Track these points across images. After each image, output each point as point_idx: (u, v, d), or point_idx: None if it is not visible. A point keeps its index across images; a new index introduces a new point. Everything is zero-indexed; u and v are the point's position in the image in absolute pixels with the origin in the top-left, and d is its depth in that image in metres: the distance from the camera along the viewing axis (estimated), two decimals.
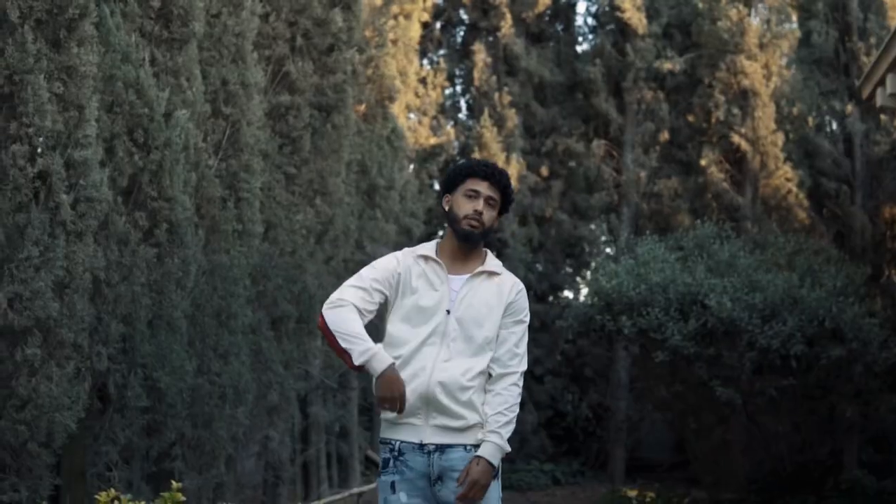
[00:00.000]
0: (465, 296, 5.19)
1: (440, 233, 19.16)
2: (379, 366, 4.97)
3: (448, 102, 19.44)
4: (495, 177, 5.23)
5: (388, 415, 5.14)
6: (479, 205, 5.16)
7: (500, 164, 17.35)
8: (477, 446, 5.10)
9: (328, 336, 5.09)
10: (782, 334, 12.09)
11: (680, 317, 12.52)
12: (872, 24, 16.96)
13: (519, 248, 17.78)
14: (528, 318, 5.35)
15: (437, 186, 18.55)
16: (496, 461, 5.06)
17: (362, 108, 14.25)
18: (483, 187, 5.20)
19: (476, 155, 17.74)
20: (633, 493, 14.47)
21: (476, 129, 17.95)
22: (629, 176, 17.94)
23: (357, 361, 4.98)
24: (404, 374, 5.09)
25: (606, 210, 18.28)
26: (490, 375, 5.21)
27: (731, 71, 17.02)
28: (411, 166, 17.36)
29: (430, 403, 5.10)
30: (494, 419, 5.14)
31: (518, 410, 5.22)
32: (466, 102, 19.86)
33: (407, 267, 5.28)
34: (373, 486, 10.07)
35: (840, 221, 16.80)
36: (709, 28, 17.22)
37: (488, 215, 5.20)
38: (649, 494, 14.19)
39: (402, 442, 5.13)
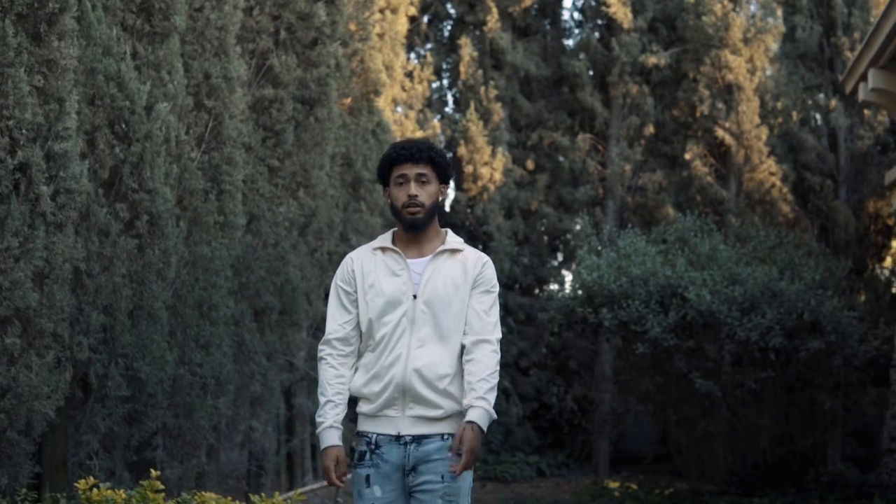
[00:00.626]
0: (429, 277, 5.22)
1: None
2: (321, 444, 5.21)
3: (434, 96, 19.47)
4: (415, 154, 5.24)
5: (364, 407, 5.21)
6: (411, 188, 5.19)
7: (486, 157, 17.50)
8: (452, 435, 5.11)
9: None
10: (761, 327, 12.21)
11: (660, 309, 12.64)
12: (857, 19, 17.05)
13: (504, 242, 17.84)
14: (496, 290, 5.35)
15: None
16: (485, 426, 5.02)
17: (348, 101, 14.30)
18: (408, 169, 5.22)
19: (462, 149, 17.81)
20: (614, 485, 14.58)
21: (462, 123, 18.00)
22: (614, 169, 18.00)
23: (318, 428, 5.22)
24: (379, 366, 5.18)
25: (591, 203, 18.35)
26: (464, 348, 5.20)
27: (715, 65, 17.09)
28: None
29: (406, 393, 5.14)
30: (479, 385, 5.09)
31: (498, 378, 5.17)
32: (453, 96, 19.89)
33: (362, 263, 5.32)
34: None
35: (824, 215, 16.89)
36: (694, 23, 17.29)
37: (425, 193, 5.22)
38: (632, 486, 14.30)
39: (378, 434, 5.17)
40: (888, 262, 17.27)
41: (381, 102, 15.67)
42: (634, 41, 17.76)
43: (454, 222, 18.18)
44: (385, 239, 5.39)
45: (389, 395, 5.15)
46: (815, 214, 17.09)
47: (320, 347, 5.37)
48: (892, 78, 12.68)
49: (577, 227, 17.74)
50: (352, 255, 5.42)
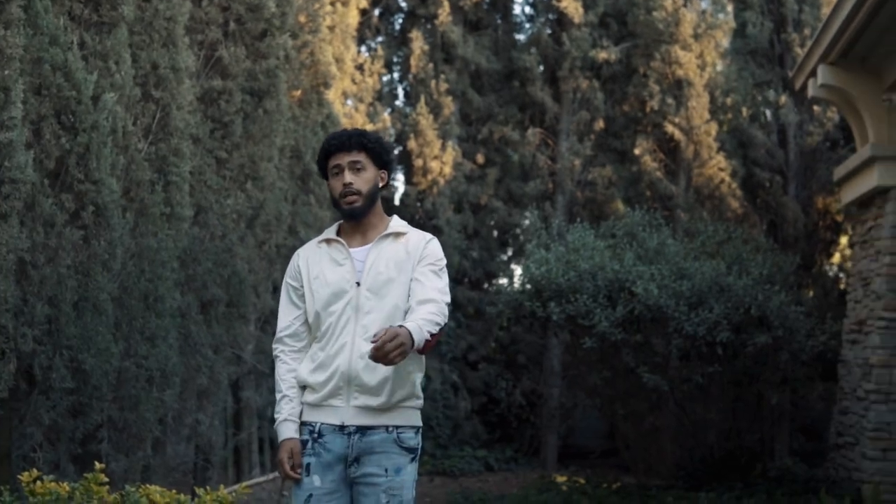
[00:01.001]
0: (372, 262, 5.22)
1: None
2: (278, 437, 5.26)
3: (385, 89, 19.41)
4: (346, 143, 5.26)
5: (309, 397, 5.22)
6: (346, 177, 5.22)
7: (436, 151, 17.45)
8: (398, 427, 5.16)
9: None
10: (709, 321, 12.25)
11: (608, 303, 12.66)
12: (807, 15, 17.13)
13: (454, 235, 17.82)
14: (442, 264, 5.32)
15: None
16: (416, 338, 4.75)
17: (297, 93, 14.23)
18: (341, 158, 5.26)
19: (412, 143, 17.78)
20: (562, 479, 14.60)
21: (412, 117, 17.96)
22: (564, 164, 18.01)
23: (276, 423, 5.25)
24: (325, 355, 5.19)
25: (541, 198, 18.36)
26: (410, 309, 5.16)
27: (665, 61, 17.13)
28: None
29: (351, 382, 5.13)
30: (419, 310, 5.03)
31: (440, 330, 5.02)
32: (403, 89, 19.84)
33: (307, 256, 5.36)
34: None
35: (773, 211, 16.97)
36: (644, 18, 17.32)
37: (361, 180, 5.24)
38: (579, 480, 14.32)
39: (322, 424, 5.18)
40: (836, 258, 17.39)
41: (331, 95, 15.62)
42: (585, 36, 17.78)
43: (403, 216, 18.08)
44: (330, 231, 5.42)
45: (335, 385, 5.16)
46: (764, 210, 17.17)
47: (273, 346, 5.43)
48: (842, 74, 12.78)
49: (527, 222, 17.75)
50: (299, 251, 5.46)
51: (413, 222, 17.66)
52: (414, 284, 5.23)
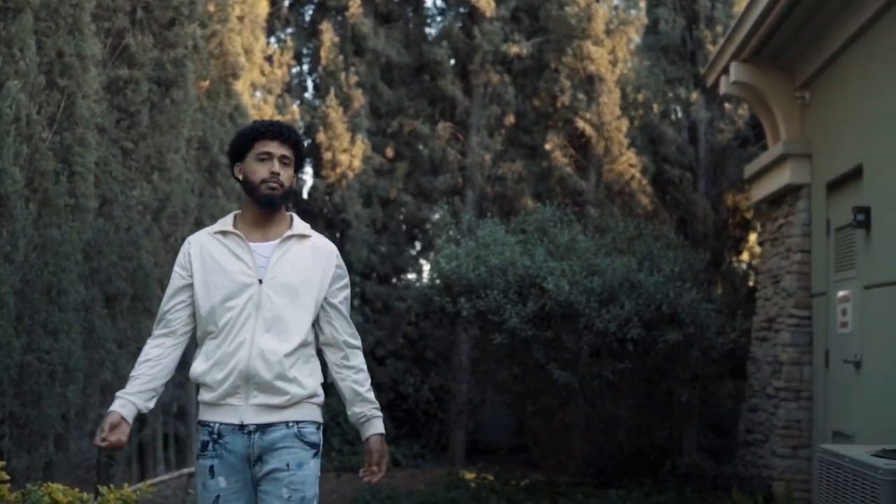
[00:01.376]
0: (276, 262, 5.11)
1: None
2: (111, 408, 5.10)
3: (294, 81, 19.21)
4: (284, 134, 5.17)
5: (205, 396, 5.08)
6: (275, 166, 5.10)
7: (345, 144, 17.28)
8: (299, 422, 5.07)
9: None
10: (620, 318, 12.19)
11: (518, 299, 12.55)
12: (720, 12, 17.16)
13: (362, 230, 17.66)
14: (349, 288, 5.38)
15: None
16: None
17: (205, 84, 14.01)
18: (274, 147, 5.13)
19: (321, 135, 17.60)
20: (470, 476, 14.51)
21: (322, 109, 17.78)
22: (474, 159, 17.91)
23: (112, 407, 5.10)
24: (222, 352, 5.04)
25: (451, 192, 18.25)
26: (335, 346, 5.30)
27: (577, 56, 17.08)
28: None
29: (250, 380, 5.01)
30: (370, 394, 5.30)
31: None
32: (313, 82, 19.65)
33: (200, 246, 5.19)
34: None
35: (683, 208, 16.97)
36: (556, 13, 17.27)
37: (285, 174, 5.14)
38: (488, 477, 14.24)
39: (221, 424, 5.04)
40: (745, 255, 17.46)
41: (240, 86, 15.40)
42: (497, 30, 17.68)
43: (311, 209, 17.95)
44: (226, 222, 5.26)
45: (232, 383, 5.03)
46: (674, 207, 17.18)
47: (150, 337, 5.29)
48: (754, 71, 12.79)
49: (437, 217, 17.62)
50: (190, 239, 5.29)
51: (321, 216, 17.52)
52: (333, 312, 5.29)
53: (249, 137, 5.19)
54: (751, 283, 17.03)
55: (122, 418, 5.05)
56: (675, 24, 17.32)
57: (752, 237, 17.30)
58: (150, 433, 13.12)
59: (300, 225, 5.30)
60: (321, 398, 5.25)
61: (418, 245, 19.55)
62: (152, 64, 11.63)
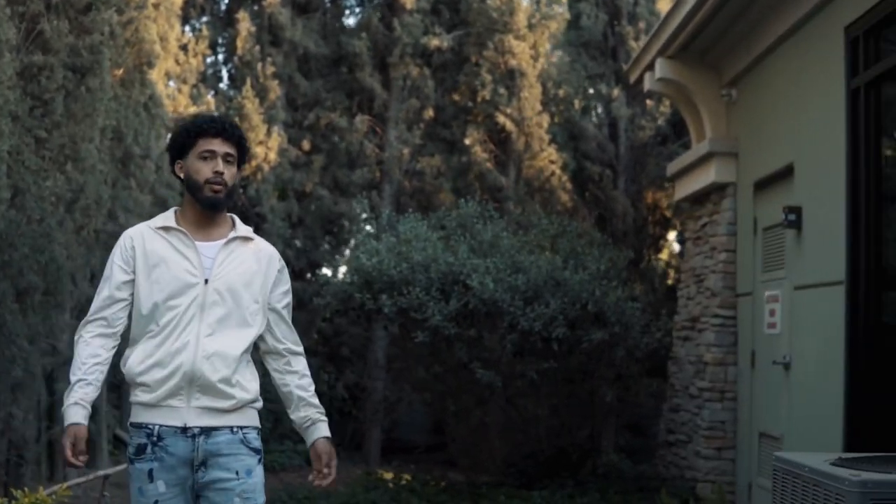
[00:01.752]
0: (222, 263, 4.93)
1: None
2: (65, 421, 4.76)
3: (209, 71, 18.82)
4: (227, 131, 4.98)
5: (142, 396, 4.83)
6: (218, 165, 4.90)
7: (261, 136, 16.93)
8: (242, 428, 4.92)
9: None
10: (545, 317, 11.99)
11: (441, 297, 12.32)
12: (642, 8, 17.12)
13: (278, 223, 17.34)
14: (290, 293, 5.27)
15: None
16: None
17: (119, 72, 13.62)
18: (217, 145, 4.93)
19: None
20: (388, 476, 14.27)
21: (237, 100, 17.40)
22: (392, 153, 17.66)
23: (64, 406, 4.79)
24: (164, 352, 4.83)
25: (368, 187, 17.99)
26: (277, 353, 5.22)
27: (498, 50, 16.88)
28: (169, 135, 16.69)
29: (193, 382, 4.80)
30: (313, 400, 5.22)
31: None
32: (228, 72, 19.28)
33: (143, 241, 4.97)
34: (120, 467, 9.62)
35: (602, 205, 16.89)
36: (478, 6, 17.07)
37: (229, 174, 4.96)
38: (406, 477, 14.00)
39: (161, 426, 4.80)
40: (665, 253, 17.41)
41: (155, 75, 15.01)
42: (417, 22, 17.42)
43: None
44: (167, 218, 5.04)
45: (175, 384, 4.81)
46: (594, 204, 17.09)
47: (80, 326, 4.99)
48: (680, 68, 12.67)
49: (357, 210, 17.37)
50: (130, 233, 5.05)
51: (236, 210, 17.14)
52: (275, 317, 5.19)
53: (192, 134, 4.97)
54: (669, 282, 16.98)
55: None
56: (597, 19, 17.24)
57: (672, 235, 17.26)
58: (59, 431, 12.75)
59: (243, 228, 5.14)
60: (261, 403, 5.11)
61: (334, 240, 19.23)
62: (67, 50, 11.26)
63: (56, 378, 12.59)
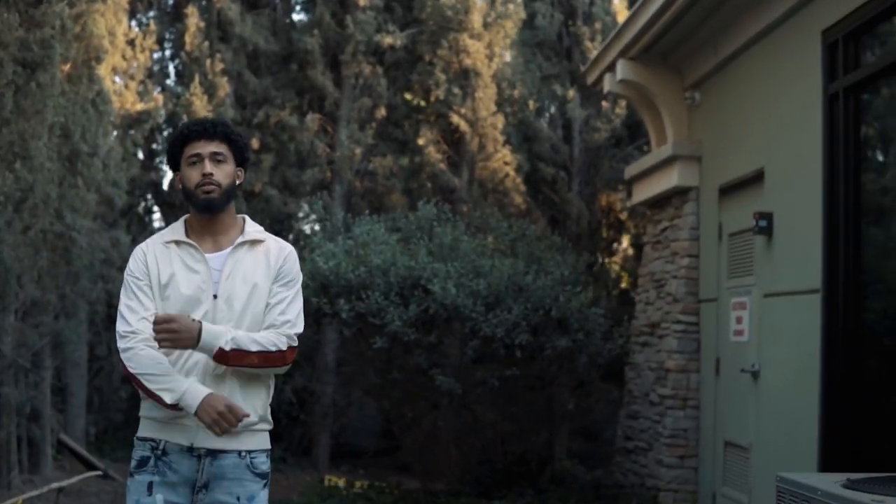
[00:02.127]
0: (229, 273, 4.73)
1: (143, 205, 18.26)
2: (193, 402, 4.49)
3: (156, 67, 18.41)
4: (209, 130, 4.79)
5: (154, 411, 4.64)
6: (206, 167, 4.73)
7: None
8: (251, 452, 4.69)
9: (135, 382, 4.63)
10: (507, 323, 11.73)
11: (400, 302, 12.04)
12: (598, 9, 16.93)
13: None
14: (298, 282, 4.90)
15: (141, 155, 17.62)
16: (207, 339, 4.51)
17: (67, 67, 13.23)
18: (201, 147, 4.77)
19: None
20: (340, 482, 14.02)
21: (186, 97, 17.01)
22: (343, 152, 17.32)
23: (170, 401, 4.50)
24: (176, 371, 4.62)
25: (319, 187, 17.65)
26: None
27: (453, 49, 16.60)
28: (114, 133, 16.30)
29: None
30: (245, 333, 4.65)
31: (266, 354, 4.64)
32: (175, 68, 18.87)
33: (155, 256, 4.79)
34: (74, 479, 9.32)
35: (556, 207, 16.69)
36: (432, 4, 16.76)
37: (221, 173, 4.75)
38: (359, 483, 13.75)
39: (168, 442, 4.64)
40: (618, 257, 17.24)
41: (102, 71, 14.62)
42: (370, 20, 17.08)
43: (172, 202, 17.25)
44: (177, 230, 4.86)
45: None
46: (547, 206, 16.89)
47: (125, 343, 4.65)
48: (642, 70, 12.52)
49: (310, 213, 17.04)
50: (142, 247, 4.87)
51: (182, 210, 16.77)
52: (268, 309, 4.81)
53: (178, 143, 4.84)
54: (623, 286, 16.82)
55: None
56: (552, 19, 17.03)
57: (626, 239, 17.10)
58: (4, 436, 12.41)
59: (252, 229, 4.94)
60: (270, 424, 4.88)
61: (284, 240, 18.87)
62: (17, 44, 10.88)
63: (0, 382, 12.25)
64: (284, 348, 4.69)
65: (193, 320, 4.52)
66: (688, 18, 11.23)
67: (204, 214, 4.79)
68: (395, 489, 13.37)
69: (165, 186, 17.59)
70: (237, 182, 4.89)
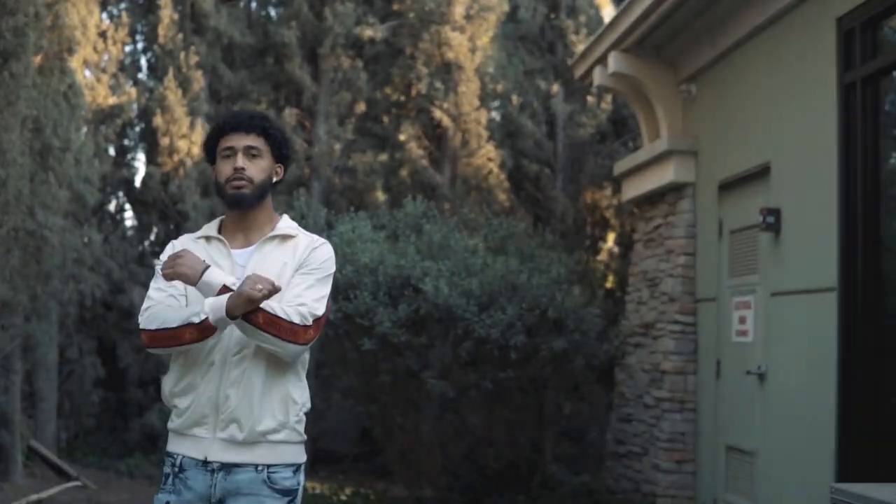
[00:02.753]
0: (252, 268, 4.41)
1: (115, 202, 17.78)
2: (214, 283, 4.28)
3: (128, 60, 17.89)
4: (244, 123, 4.56)
5: (174, 422, 4.42)
6: (238, 161, 4.49)
7: (184, 129, 16.07)
8: (269, 466, 4.34)
9: (161, 341, 4.34)
10: (502, 323, 11.28)
11: (389, 301, 11.58)
12: (582, 2, 16.57)
13: (200, 222, 16.45)
14: (325, 271, 4.57)
15: (112, 151, 17.13)
16: (210, 276, 4.27)
17: (38, 59, 12.74)
18: (235, 140, 4.54)
19: (158, 118, 16.31)
20: (323, 488, 13.66)
21: (159, 91, 16.51)
22: (322, 148, 16.86)
23: (203, 316, 4.23)
24: (193, 376, 4.41)
25: (296, 183, 17.19)
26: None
27: (434, 42, 16.17)
28: (84, 128, 15.79)
29: (219, 409, 4.33)
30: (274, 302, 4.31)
31: (274, 318, 4.23)
32: (148, 61, 18.36)
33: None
34: (52, 491, 8.90)
35: (540, 204, 16.31)
36: None
37: (255, 168, 4.51)
38: (345, 491, 13.37)
39: (184, 457, 4.41)
40: (603, 255, 16.89)
41: (74, 63, 14.13)
42: (349, 12, 16.60)
43: (145, 199, 16.75)
44: (211, 227, 4.65)
45: (200, 411, 4.38)
46: (531, 203, 16.51)
47: (141, 316, 4.42)
48: (635, 62, 12.22)
49: (288, 210, 16.58)
50: (175, 244, 4.66)
51: (155, 207, 16.38)
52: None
53: (213, 136, 4.66)
54: (608, 285, 16.48)
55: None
56: (535, 12, 16.65)
57: (611, 237, 16.76)
58: None
59: (285, 225, 4.62)
60: (297, 434, 4.52)
61: None
62: None
63: None
64: (296, 321, 4.28)
65: (205, 263, 4.31)
66: (685, 9, 10.94)
67: (233, 210, 4.56)
68: (381, 496, 12.96)
69: (138, 183, 17.09)
70: (274, 179, 4.64)
